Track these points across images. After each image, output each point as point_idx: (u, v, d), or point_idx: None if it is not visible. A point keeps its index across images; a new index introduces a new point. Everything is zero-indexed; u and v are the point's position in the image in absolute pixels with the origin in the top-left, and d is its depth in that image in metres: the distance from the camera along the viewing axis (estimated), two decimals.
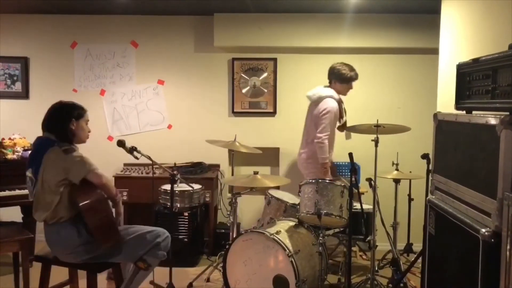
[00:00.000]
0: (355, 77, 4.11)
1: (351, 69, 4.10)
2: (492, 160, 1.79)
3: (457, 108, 2.29)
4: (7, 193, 3.94)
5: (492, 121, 1.81)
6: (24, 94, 5.05)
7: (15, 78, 5.07)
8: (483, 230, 1.79)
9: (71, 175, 2.76)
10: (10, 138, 4.31)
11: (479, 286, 1.80)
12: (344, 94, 4.17)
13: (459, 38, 3.03)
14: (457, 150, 2.17)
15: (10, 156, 4.14)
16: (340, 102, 4.12)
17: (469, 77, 2.17)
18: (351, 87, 4.14)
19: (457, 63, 2.28)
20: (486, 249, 1.77)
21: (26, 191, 3.80)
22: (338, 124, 4.15)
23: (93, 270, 2.84)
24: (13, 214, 4.25)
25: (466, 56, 2.42)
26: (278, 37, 4.73)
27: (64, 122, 2.85)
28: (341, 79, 4.07)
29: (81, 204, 2.72)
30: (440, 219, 2.29)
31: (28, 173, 2.86)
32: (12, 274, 3.71)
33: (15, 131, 4.42)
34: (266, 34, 4.72)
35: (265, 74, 4.97)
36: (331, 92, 4.07)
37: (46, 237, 2.89)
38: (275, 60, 4.93)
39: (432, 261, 2.42)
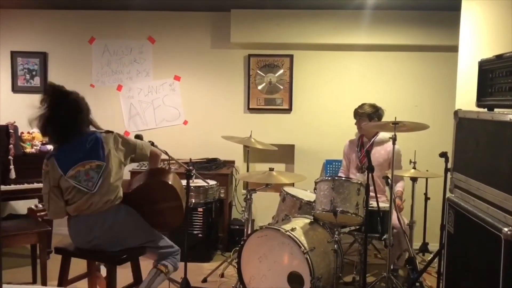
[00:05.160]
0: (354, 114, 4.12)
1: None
2: None
3: (478, 105, 2.25)
4: (25, 186, 3.99)
5: None
6: (43, 89, 5.10)
7: (34, 73, 5.13)
8: (506, 229, 1.76)
9: (139, 152, 2.92)
10: (28, 132, 4.36)
11: (501, 286, 1.77)
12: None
13: (480, 35, 2.98)
14: (478, 148, 2.14)
15: (29, 150, 4.19)
16: (360, 138, 4.17)
17: (492, 74, 2.13)
18: (357, 124, 4.12)
19: (480, 60, 2.24)
20: (509, 248, 1.75)
21: None
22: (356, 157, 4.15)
23: (113, 262, 2.82)
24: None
25: (486, 53, 2.37)
26: (294, 34, 4.71)
27: (88, 113, 2.90)
28: None
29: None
30: (459, 218, 2.26)
31: (90, 164, 2.71)
32: (30, 266, 3.77)
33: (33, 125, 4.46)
34: (283, 30, 4.71)
35: (281, 71, 4.95)
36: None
37: (89, 226, 2.75)
38: (291, 56, 4.91)
39: (451, 260, 2.39)
